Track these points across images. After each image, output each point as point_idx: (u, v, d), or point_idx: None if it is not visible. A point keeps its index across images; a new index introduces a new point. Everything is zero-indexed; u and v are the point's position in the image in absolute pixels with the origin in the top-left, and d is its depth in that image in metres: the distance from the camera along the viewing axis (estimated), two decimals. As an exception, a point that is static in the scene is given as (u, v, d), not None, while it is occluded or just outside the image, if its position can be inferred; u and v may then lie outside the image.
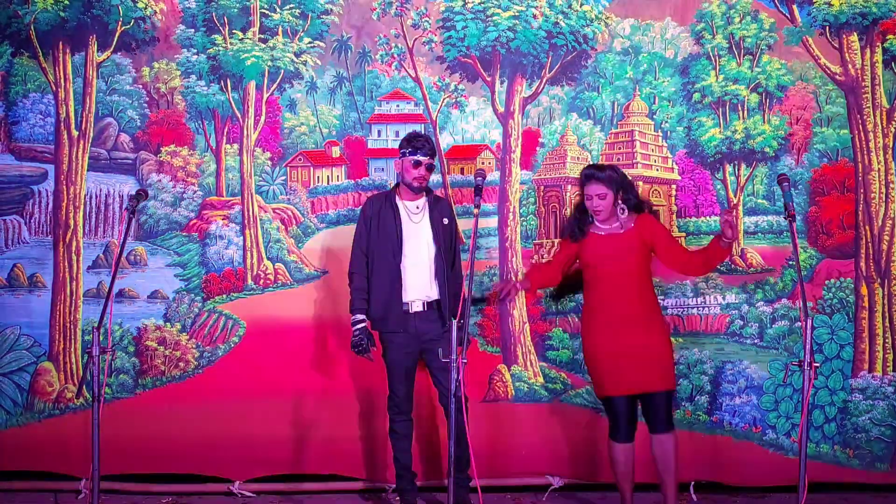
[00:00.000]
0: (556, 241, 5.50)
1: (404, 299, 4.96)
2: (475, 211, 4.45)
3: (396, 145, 5.61)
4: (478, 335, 5.59)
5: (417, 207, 5.05)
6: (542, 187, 5.63)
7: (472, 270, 4.47)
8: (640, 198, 4.80)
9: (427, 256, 5.00)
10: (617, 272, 4.64)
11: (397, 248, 4.96)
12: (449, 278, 5.00)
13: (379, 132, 5.65)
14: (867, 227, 5.49)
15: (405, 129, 5.59)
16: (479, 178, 4.64)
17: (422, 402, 5.46)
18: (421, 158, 4.96)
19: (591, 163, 5.23)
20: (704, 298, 5.53)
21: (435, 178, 5.21)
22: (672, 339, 5.41)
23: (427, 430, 5.48)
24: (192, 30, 5.62)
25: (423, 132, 5.24)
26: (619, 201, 4.68)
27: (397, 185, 5.12)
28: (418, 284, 4.97)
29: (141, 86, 5.64)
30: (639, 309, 4.65)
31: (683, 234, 5.56)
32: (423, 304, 4.97)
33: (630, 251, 4.65)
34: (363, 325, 4.95)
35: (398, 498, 5.15)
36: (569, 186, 5.59)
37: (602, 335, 4.65)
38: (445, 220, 5.06)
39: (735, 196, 5.55)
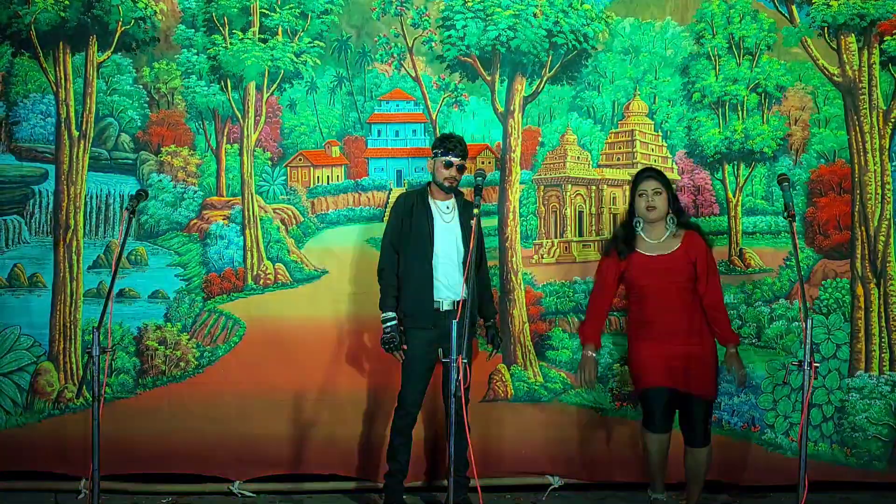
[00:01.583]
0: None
1: (435, 297, 4.97)
2: (475, 211, 4.44)
3: (396, 145, 5.62)
4: (478, 335, 5.58)
5: (448, 207, 5.06)
6: (542, 187, 5.64)
7: (472, 270, 4.49)
8: (686, 213, 4.87)
9: (456, 256, 5.01)
10: (664, 290, 4.70)
11: (430, 247, 4.97)
12: (478, 280, 5.01)
13: (379, 132, 5.65)
14: (863, 228, 5.52)
15: (405, 129, 5.60)
16: (479, 178, 4.64)
17: (423, 402, 5.48)
18: (453, 159, 4.98)
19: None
20: (703, 298, 5.55)
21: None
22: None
23: (428, 430, 5.49)
24: (192, 30, 5.61)
25: (454, 133, 5.23)
26: (671, 210, 4.74)
27: (428, 183, 5.12)
28: (449, 283, 4.98)
29: (141, 86, 5.62)
30: (687, 324, 4.71)
31: (683, 234, 5.59)
32: (454, 303, 4.98)
33: (678, 273, 4.72)
34: (394, 322, 4.94)
35: (384, 497, 5.15)
36: (569, 186, 5.60)
37: (652, 344, 4.70)
38: (472, 223, 5.06)
39: (734, 196, 5.58)
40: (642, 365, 4.73)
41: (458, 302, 4.96)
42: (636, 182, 4.80)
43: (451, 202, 5.08)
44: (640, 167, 5.52)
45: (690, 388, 4.66)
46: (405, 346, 4.96)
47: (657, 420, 4.68)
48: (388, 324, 4.94)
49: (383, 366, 5.32)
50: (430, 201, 5.06)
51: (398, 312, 4.99)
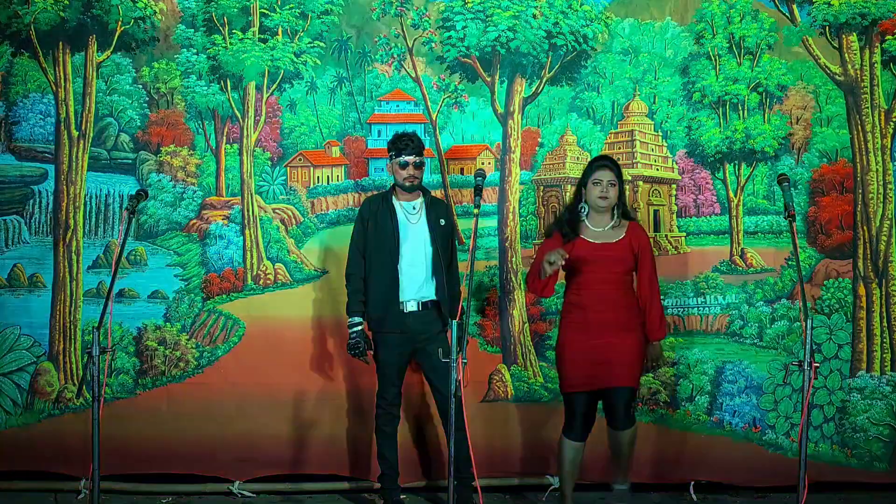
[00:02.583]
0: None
1: (400, 299, 4.96)
2: (475, 211, 4.42)
3: (395, 146, 5.63)
4: (477, 335, 5.59)
5: (414, 208, 5.05)
6: (541, 187, 5.64)
7: (472, 270, 4.47)
8: (628, 207, 4.84)
9: (424, 257, 5.00)
10: (603, 279, 4.65)
11: (394, 249, 4.96)
12: (447, 279, 5.01)
13: (379, 132, 5.65)
14: (865, 228, 5.51)
15: (405, 129, 5.60)
16: (479, 178, 4.62)
17: (419, 402, 5.47)
18: (407, 158, 4.95)
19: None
20: (704, 298, 5.54)
21: (434, 177, 5.21)
22: (672, 339, 5.45)
23: (424, 430, 5.49)
24: (192, 30, 5.61)
25: (408, 131, 5.18)
26: (618, 201, 4.71)
27: (394, 185, 5.12)
28: (414, 285, 4.97)
29: (141, 86, 5.63)
30: (619, 315, 4.66)
31: (684, 234, 5.58)
32: (418, 304, 4.98)
33: (620, 262, 4.68)
34: (360, 327, 4.96)
35: (382, 498, 5.16)
36: (569, 186, 5.59)
37: (578, 334, 4.65)
38: (442, 222, 5.06)
39: (735, 195, 5.57)
40: (567, 364, 4.68)
41: (424, 303, 4.97)
42: (591, 169, 4.72)
43: (419, 202, 5.07)
44: (639, 167, 5.53)
45: (612, 381, 4.60)
46: (370, 352, 4.97)
47: (576, 427, 4.67)
48: (354, 329, 4.96)
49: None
50: (395, 203, 5.04)
51: (365, 317, 4.99)
